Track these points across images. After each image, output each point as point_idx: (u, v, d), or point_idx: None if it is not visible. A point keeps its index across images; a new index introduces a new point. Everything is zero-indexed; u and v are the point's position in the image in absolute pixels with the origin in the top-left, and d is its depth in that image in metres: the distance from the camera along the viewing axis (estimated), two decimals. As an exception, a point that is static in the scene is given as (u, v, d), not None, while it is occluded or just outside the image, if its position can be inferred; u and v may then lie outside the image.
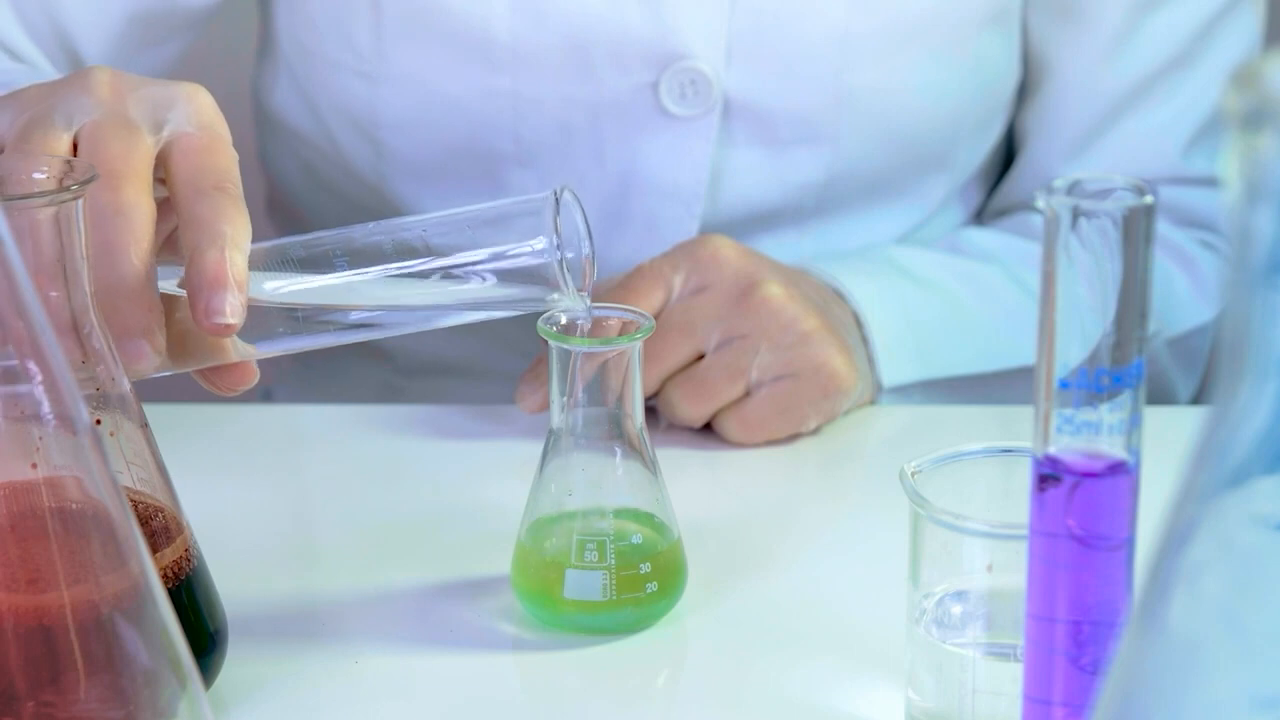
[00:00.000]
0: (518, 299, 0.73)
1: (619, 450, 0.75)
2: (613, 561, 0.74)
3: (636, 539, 0.75)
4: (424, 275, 0.73)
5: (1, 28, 1.02)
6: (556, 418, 0.75)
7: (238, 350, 0.73)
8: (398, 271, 0.73)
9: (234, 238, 0.70)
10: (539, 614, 0.76)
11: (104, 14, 1.04)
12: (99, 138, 0.71)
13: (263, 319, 0.73)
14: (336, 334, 0.74)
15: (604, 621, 0.75)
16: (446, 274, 0.73)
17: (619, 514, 0.75)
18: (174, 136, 0.72)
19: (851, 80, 1.03)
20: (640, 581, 0.75)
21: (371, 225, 0.74)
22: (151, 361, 0.70)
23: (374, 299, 0.73)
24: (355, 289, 0.73)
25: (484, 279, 0.73)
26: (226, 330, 0.69)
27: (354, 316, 0.74)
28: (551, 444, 0.76)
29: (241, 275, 0.69)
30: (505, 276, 0.73)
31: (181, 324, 0.72)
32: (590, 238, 0.73)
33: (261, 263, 0.72)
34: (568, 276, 0.72)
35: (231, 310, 0.69)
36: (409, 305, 0.73)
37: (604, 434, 0.75)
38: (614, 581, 0.74)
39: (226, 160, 0.72)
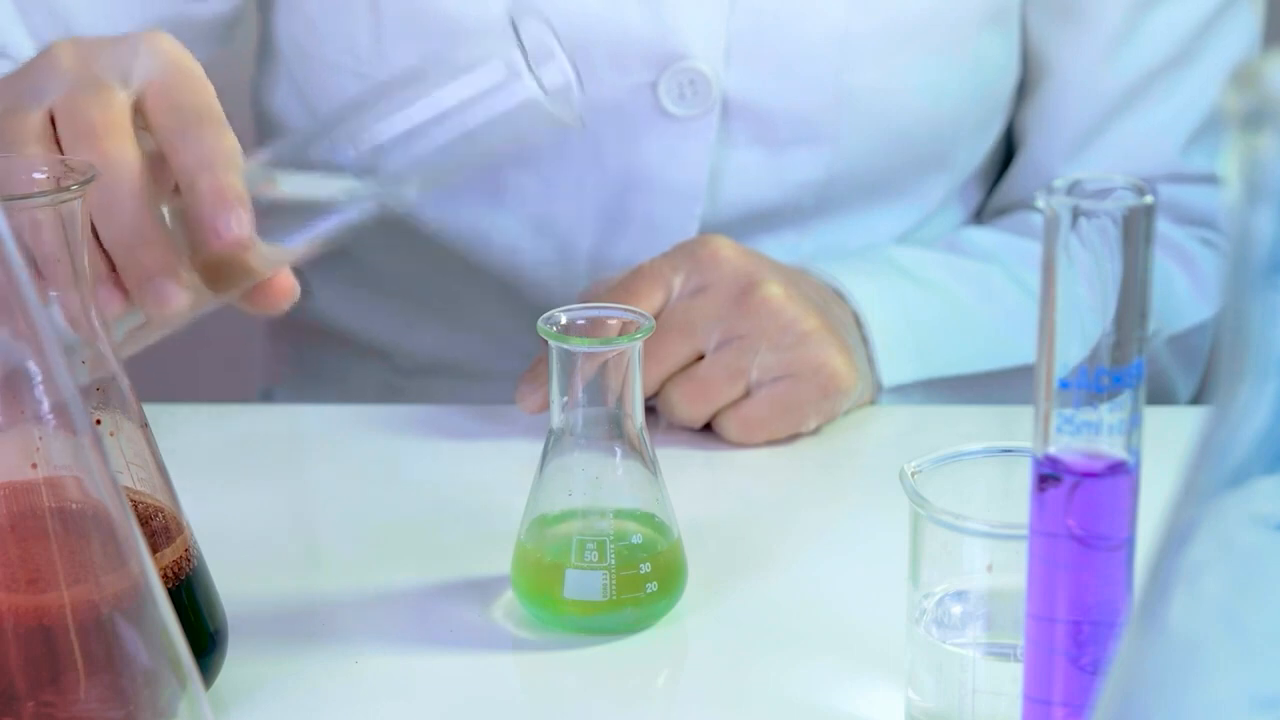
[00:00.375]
0: (514, 130, 0.74)
1: (619, 450, 0.75)
2: (613, 561, 0.74)
3: (636, 539, 0.75)
4: (418, 136, 0.74)
5: (17, 47, 1.02)
6: (556, 418, 0.75)
7: (266, 260, 0.73)
8: (388, 136, 0.74)
9: (224, 162, 0.71)
10: (539, 614, 0.76)
11: (115, 28, 1.03)
12: (73, 106, 0.72)
13: (278, 218, 0.73)
14: (350, 210, 0.75)
15: (604, 622, 0.75)
16: (439, 127, 0.74)
17: (619, 514, 0.75)
18: (145, 85, 0.73)
19: (851, 80, 1.03)
20: (640, 581, 0.75)
21: (345, 109, 0.75)
22: (181, 299, 0.71)
23: (375, 173, 0.74)
24: (356, 163, 0.74)
25: (475, 120, 0.74)
26: (241, 241, 0.70)
27: (363, 186, 0.74)
28: (551, 444, 0.76)
29: (239, 190, 0.70)
30: (496, 116, 0.73)
31: (204, 256, 0.72)
32: (561, 44, 0.74)
33: (256, 173, 0.73)
34: (544, 86, 0.73)
35: (238, 222, 0.70)
36: (412, 163, 0.74)
37: (604, 434, 0.75)
38: (614, 581, 0.74)
39: (201, 92, 0.73)
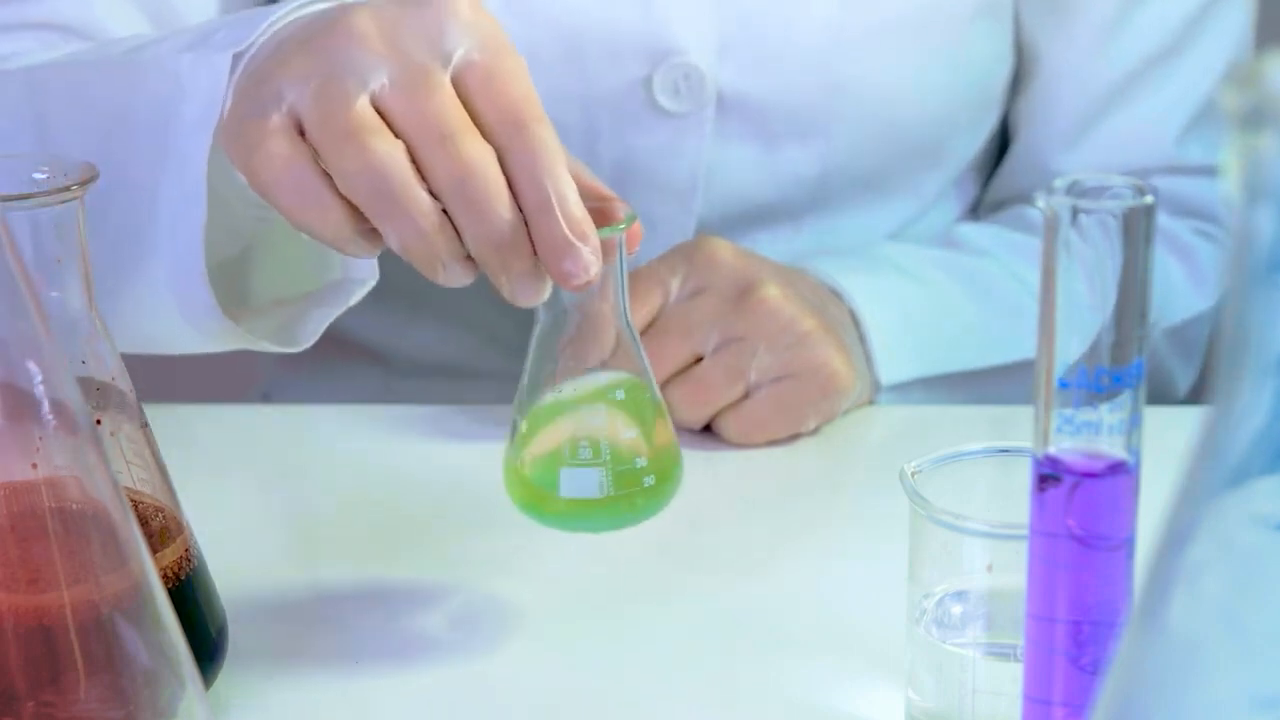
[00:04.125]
0: None
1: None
2: (608, 458, 0.73)
3: (629, 433, 0.74)
4: None
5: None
6: (541, 313, 0.74)
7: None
8: None
9: (559, 181, 0.69)
10: (537, 512, 0.75)
11: None
12: (406, 101, 0.69)
13: None
14: None
15: (601, 513, 0.74)
16: None
17: (609, 399, 0.74)
18: (462, 67, 0.70)
19: (844, 75, 1.04)
20: (638, 475, 0.73)
21: None
22: (547, 290, 0.70)
23: None
24: None
25: None
26: (590, 282, 0.69)
27: None
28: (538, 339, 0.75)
29: (581, 223, 0.69)
30: None
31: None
32: None
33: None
34: None
35: (584, 266, 0.69)
36: None
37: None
38: (610, 478, 0.73)
39: (519, 75, 0.71)
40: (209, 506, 0.78)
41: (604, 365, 0.74)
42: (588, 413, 0.73)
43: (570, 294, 0.72)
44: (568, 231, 0.68)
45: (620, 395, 0.74)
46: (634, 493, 0.73)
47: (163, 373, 0.94)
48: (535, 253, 0.69)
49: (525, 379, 0.75)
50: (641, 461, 0.73)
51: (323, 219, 0.69)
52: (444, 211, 0.69)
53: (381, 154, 0.68)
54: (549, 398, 0.74)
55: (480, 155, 0.68)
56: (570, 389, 0.74)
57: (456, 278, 0.70)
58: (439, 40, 0.70)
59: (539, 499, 0.74)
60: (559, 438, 0.73)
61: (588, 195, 0.71)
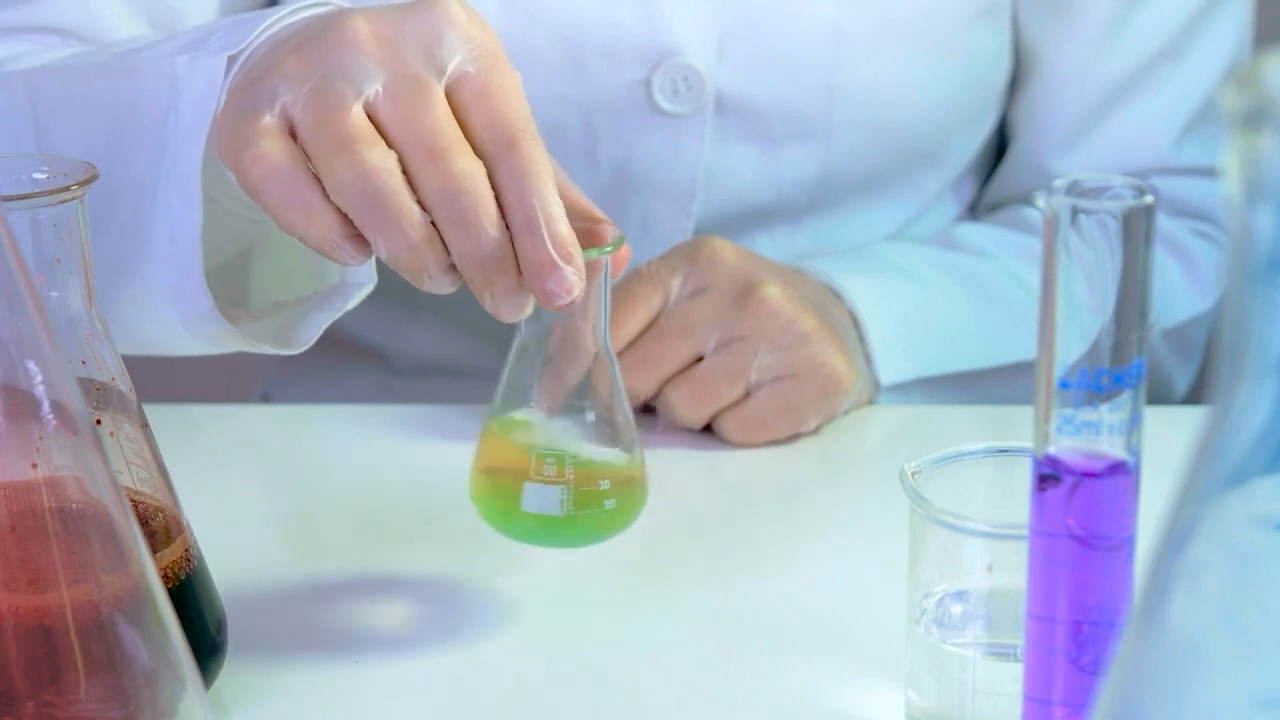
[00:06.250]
0: None
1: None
2: (571, 476, 0.73)
3: (596, 454, 0.74)
4: None
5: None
6: (523, 329, 0.74)
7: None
8: None
9: (547, 200, 0.69)
10: (498, 523, 0.75)
11: None
12: (400, 111, 0.69)
13: None
14: None
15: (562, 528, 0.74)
16: None
17: (580, 425, 0.74)
18: (457, 78, 0.70)
19: (843, 76, 1.04)
20: (599, 497, 0.74)
21: None
22: (530, 308, 0.70)
23: None
24: None
25: None
26: (572, 301, 0.69)
27: None
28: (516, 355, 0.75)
29: (565, 243, 0.68)
30: None
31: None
32: None
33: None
34: None
35: (567, 286, 0.68)
36: None
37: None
38: (571, 497, 0.73)
39: (514, 97, 0.71)
40: (209, 506, 0.78)
41: (579, 385, 0.74)
42: (556, 430, 0.74)
43: (552, 312, 0.72)
44: (553, 251, 0.68)
45: (590, 417, 0.74)
46: (595, 514, 0.74)
47: (163, 373, 0.94)
48: (520, 270, 0.69)
49: (500, 390, 0.75)
50: (605, 484, 0.73)
51: (309, 222, 0.69)
52: (432, 223, 0.69)
53: (374, 164, 0.68)
54: (521, 412, 0.74)
55: (470, 171, 0.68)
56: (543, 406, 0.74)
57: (442, 286, 0.70)
58: (435, 49, 0.70)
59: (501, 510, 0.75)
60: (526, 452, 0.74)
61: (577, 215, 0.71)
